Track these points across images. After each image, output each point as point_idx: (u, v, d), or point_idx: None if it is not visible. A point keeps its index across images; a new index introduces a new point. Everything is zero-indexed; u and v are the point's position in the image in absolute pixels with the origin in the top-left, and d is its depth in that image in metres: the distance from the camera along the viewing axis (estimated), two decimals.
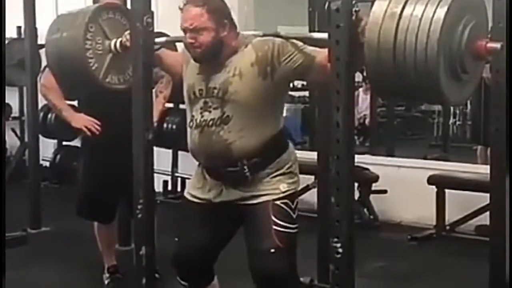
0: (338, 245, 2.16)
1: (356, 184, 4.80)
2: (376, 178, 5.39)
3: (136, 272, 2.70)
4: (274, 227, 2.46)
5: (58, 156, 6.88)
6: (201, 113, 2.53)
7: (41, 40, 5.69)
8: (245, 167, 2.51)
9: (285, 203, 2.51)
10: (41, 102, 5.09)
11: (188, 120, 2.61)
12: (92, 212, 3.80)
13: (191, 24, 2.45)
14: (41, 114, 6.32)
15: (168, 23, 2.84)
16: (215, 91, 2.50)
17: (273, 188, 2.52)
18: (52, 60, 2.80)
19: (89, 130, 3.64)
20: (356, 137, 8.59)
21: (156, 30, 2.65)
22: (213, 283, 2.74)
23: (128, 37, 2.65)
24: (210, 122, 2.51)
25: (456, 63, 2.07)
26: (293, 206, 2.53)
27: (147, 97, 2.68)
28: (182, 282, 2.69)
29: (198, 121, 2.54)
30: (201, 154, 2.57)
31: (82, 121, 3.67)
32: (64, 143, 6.93)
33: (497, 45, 2.12)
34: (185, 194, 2.73)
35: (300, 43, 2.48)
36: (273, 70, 2.44)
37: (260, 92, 2.46)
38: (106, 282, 3.87)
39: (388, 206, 5.46)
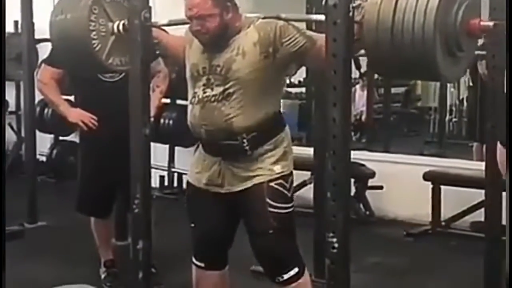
0: (334, 240, 2.17)
1: (352, 180, 4.85)
2: (372, 174, 5.40)
3: (133, 267, 2.71)
4: (270, 209, 2.55)
5: (55, 151, 6.89)
6: (203, 89, 2.59)
7: (38, 35, 5.74)
8: (245, 140, 2.56)
9: (279, 184, 2.58)
10: (38, 96, 5.08)
11: (190, 97, 2.66)
12: (89, 207, 3.81)
13: (196, 12, 2.50)
14: (38, 109, 6.32)
15: (166, 19, 2.84)
16: (218, 68, 2.56)
17: (268, 169, 2.59)
18: (57, 41, 2.83)
19: (86, 125, 3.64)
20: (352, 133, 8.62)
21: None
22: (226, 269, 2.78)
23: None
24: (212, 98, 2.57)
25: (452, 41, 2.13)
26: (287, 186, 2.60)
27: (145, 92, 2.68)
28: (198, 263, 2.74)
29: (200, 97, 2.61)
30: (201, 128, 2.61)
31: (78, 116, 3.67)
32: (60, 138, 6.93)
33: (490, 24, 2.19)
34: (188, 178, 2.79)
35: (301, 27, 2.54)
36: (275, 51, 2.50)
37: (261, 71, 2.53)
38: (102, 276, 3.88)
39: (384, 202, 5.48)
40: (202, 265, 2.73)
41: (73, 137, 6.49)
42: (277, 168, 2.60)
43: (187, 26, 2.64)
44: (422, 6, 2.04)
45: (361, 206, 5.41)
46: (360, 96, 9.58)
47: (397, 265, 4.34)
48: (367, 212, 5.42)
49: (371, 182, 5.42)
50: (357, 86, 9.54)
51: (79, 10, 2.70)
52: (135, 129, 2.66)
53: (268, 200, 2.56)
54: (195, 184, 2.73)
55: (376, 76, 8.84)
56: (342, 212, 2.18)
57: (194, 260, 2.75)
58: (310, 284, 2.68)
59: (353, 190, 5.21)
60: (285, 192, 2.59)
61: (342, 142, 2.17)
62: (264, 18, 2.56)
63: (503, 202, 3.08)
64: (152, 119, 2.91)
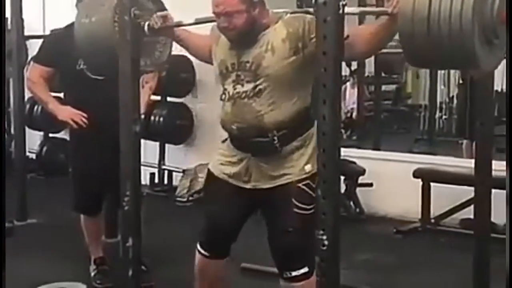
0: (324, 237, 2.17)
1: (342, 177, 4.84)
2: (362, 172, 5.41)
3: (123, 264, 2.70)
4: (294, 209, 2.58)
5: (45, 148, 6.88)
6: (233, 86, 2.61)
7: (27, 32, 5.71)
8: (275, 137, 2.58)
9: (306, 184, 2.60)
10: (27, 93, 5.07)
11: (220, 93, 2.66)
12: (82, 205, 3.80)
13: (223, 9, 2.52)
14: (28, 106, 6.30)
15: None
16: (248, 65, 2.57)
17: (300, 169, 2.61)
18: (83, 44, 2.83)
19: (75, 122, 3.63)
20: (343, 131, 8.63)
21: None
22: (227, 258, 2.82)
23: (156, 20, 2.66)
24: (243, 95, 2.59)
25: (489, 29, 2.12)
26: (314, 186, 2.59)
27: (135, 90, 2.67)
28: (203, 252, 2.76)
29: (230, 93, 2.62)
30: (233, 124, 2.63)
31: (68, 113, 3.66)
32: (50, 135, 6.92)
33: None
34: (211, 168, 2.79)
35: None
36: (304, 46, 2.51)
37: (291, 67, 2.54)
38: (92, 274, 3.87)
39: (374, 199, 5.49)
40: (207, 254, 2.75)
41: (63, 134, 6.48)
42: (308, 167, 2.61)
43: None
44: None
45: (351, 203, 5.42)
46: (350, 93, 9.60)
47: (386, 262, 4.35)
48: (357, 210, 5.43)
49: (361, 180, 5.44)
50: (348, 84, 9.56)
51: (103, 12, 2.72)
52: (125, 126, 2.65)
53: (294, 201, 2.58)
54: (217, 175, 2.75)
55: (366, 73, 8.87)
56: (332, 209, 2.18)
57: (199, 247, 2.77)
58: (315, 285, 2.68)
59: (343, 187, 5.22)
60: (311, 193, 2.59)
61: (332, 140, 2.17)
62: (292, 13, 2.57)
63: (492, 199, 3.10)
64: (142, 116, 2.91)
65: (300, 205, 2.59)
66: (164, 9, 2.82)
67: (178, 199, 5.94)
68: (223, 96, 2.65)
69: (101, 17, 2.72)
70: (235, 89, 2.60)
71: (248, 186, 2.67)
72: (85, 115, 3.61)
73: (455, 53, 2.08)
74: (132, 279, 2.68)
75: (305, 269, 2.62)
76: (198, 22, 2.68)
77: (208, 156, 2.98)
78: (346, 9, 2.22)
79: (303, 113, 2.63)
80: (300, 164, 2.62)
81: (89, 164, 3.71)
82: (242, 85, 2.59)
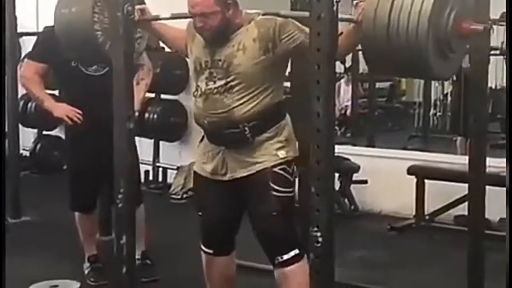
0: (318, 234, 2.18)
1: (337, 174, 4.84)
2: (357, 169, 5.42)
3: (117, 261, 2.70)
4: (273, 193, 2.65)
5: (39, 146, 6.86)
6: (206, 82, 2.70)
7: (20, 29, 5.69)
8: (246, 128, 2.66)
9: (283, 169, 2.69)
10: (21, 91, 5.05)
11: (193, 89, 2.76)
12: (80, 203, 3.80)
13: (199, 10, 2.60)
14: (21, 103, 6.28)
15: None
16: (220, 63, 2.66)
17: (273, 155, 2.69)
18: (61, 33, 2.87)
19: (71, 119, 3.62)
20: (337, 128, 8.63)
21: None
22: (233, 253, 2.89)
23: (134, 12, 2.68)
24: (215, 90, 2.68)
25: (444, 42, 2.20)
26: (290, 171, 2.71)
27: (129, 86, 2.67)
28: (206, 250, 2.84)
29: (203, 89, 2.71)
30: (205, 118, 2.72)
31: (63, 110, 3.65)
32: (44, 132, 6.90)
33: (480, 27, 2.28)
34: (195, 169, 2.89)
35: (299, 24, 2.62)
36: (274, 47, 2.62)
37: (261, 65, 2.64)
38: (86, 271, 3.87)
39: (368, 196, 5.50)
40: (210, 251, 2.84)
41: (57, 132, 6.46)
42: (281, 153, 2.70)
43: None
44: (417, 7, 2.11)
45: (346, 200, 5.43)
46: (345, 90, 9.59)
47: (381, 259, 4.36)
48: (352, 206, 5.44)
49: (355, 177, 5.44)
50: (342, 81, 9.55)
51: (84, 3, 2.76)
52: (119, 123, 2.65)
53: (271, 184, 2.65)
54: (201, 174, 2.82)
55: (360, 71, 8.87)
56: (326, 206, 2.18)
57: (202, 247, 2.85)
58: (308, 268, 2.69)
59: (337, 184, 5.23)
60: (288, 176, 2.69)
61: (326, 136, 2.17)
62: (264, 14, 2.65)
63: (486, 196, 3.10)
64: (136, 113, 2.90)
65: (278, 188, 2.66)
66: (143, 3, 2.86)
67: (173, 196, 5.94)
68: (195, 92, 2.74)
69: (81, 8, 2.76)
70: (207, 85, 2.69)
71: (226, 178, 2.75)
72: (80, 112, 3.61)
73: (411, 63, 2.17)
74: (126, 276, 2.68)
75: (296, 251, 2.67)
76: (174, 17, 2.71)
77: None
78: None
79: (274, 107, 2.71)
80: (272, 152, 2.69)
81: (84, 161, 3.71)
82: (214, 82, 2.67)
